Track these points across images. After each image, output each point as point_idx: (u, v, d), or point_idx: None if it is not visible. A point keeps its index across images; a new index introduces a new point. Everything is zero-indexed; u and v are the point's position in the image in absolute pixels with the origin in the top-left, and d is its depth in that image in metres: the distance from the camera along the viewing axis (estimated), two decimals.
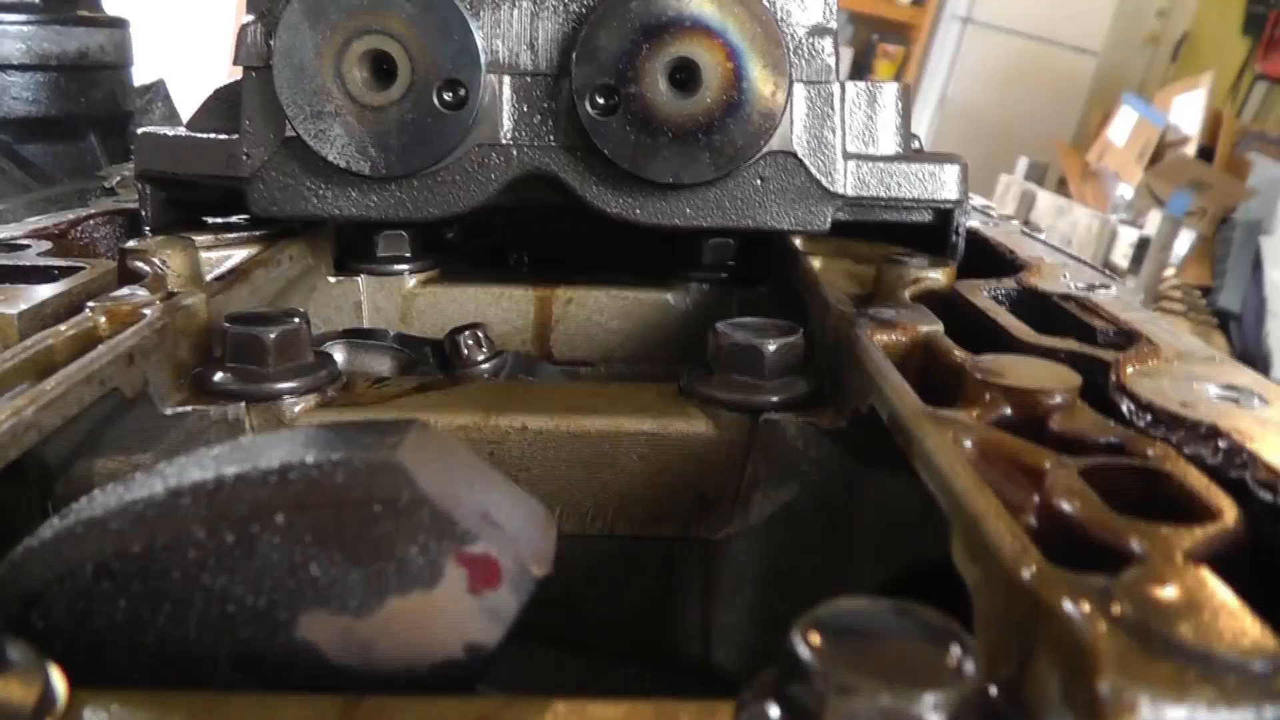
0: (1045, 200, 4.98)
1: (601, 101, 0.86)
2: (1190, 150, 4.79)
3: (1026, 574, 0.41)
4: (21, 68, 1.38)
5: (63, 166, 1.42)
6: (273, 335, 0.73)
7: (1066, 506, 0.47)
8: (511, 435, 0.72)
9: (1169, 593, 0.39)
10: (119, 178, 1.24)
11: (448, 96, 0.87)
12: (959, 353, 0.65)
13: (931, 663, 0.36)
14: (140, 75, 1.65)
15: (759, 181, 0.90)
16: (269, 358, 0.72)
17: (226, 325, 0.73)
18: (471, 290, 1.07)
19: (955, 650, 0.36)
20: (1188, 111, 4.93)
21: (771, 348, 0.73)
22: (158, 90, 1.63)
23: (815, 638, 0.36)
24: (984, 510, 0.46)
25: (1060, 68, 6.00)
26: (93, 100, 1.45)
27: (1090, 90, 5.99)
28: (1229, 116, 4.86)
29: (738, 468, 0.71)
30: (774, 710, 0.37)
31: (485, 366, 0.93)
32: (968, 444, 0.54)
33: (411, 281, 1.07)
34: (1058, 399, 0.58)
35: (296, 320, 0.75)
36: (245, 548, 0.44)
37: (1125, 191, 5.03)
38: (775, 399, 0.72)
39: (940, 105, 6.26)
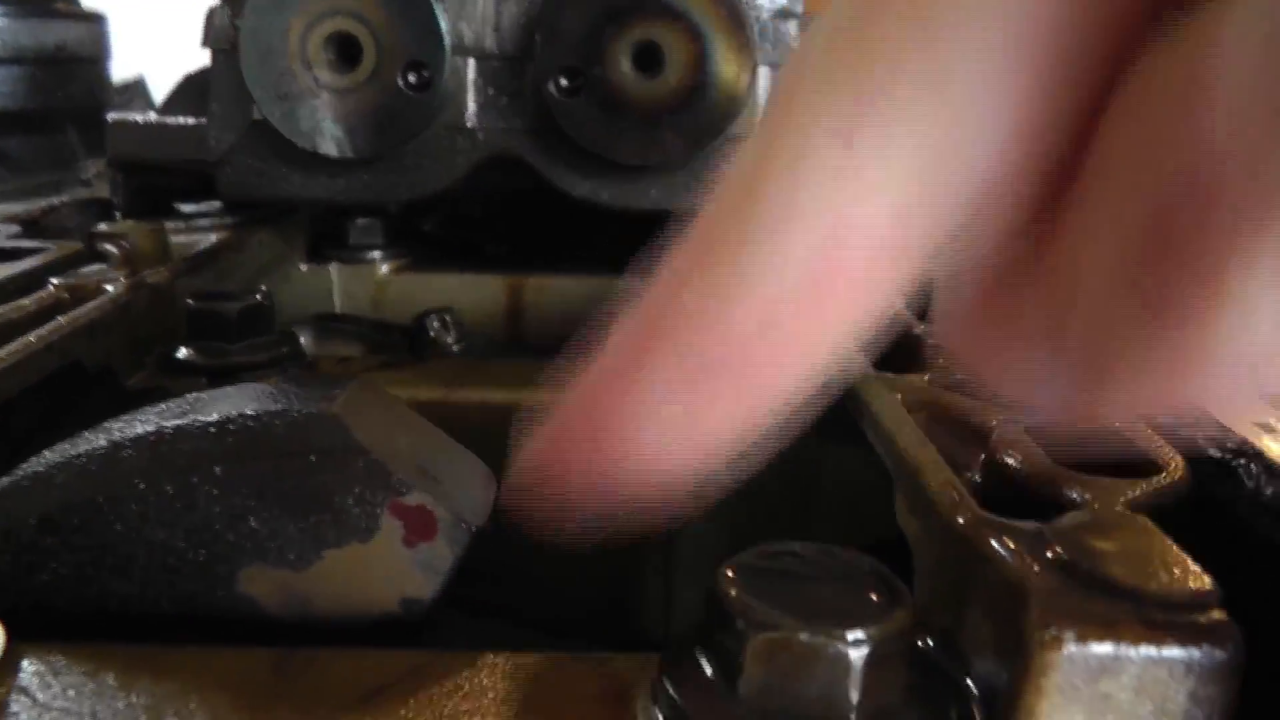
0: None
1: (565, 83, 0.87)
2: None
3: (961, 521, 0.41)
4: None
5: (40, 160, 1.42)
6: (235, 311, 0.73)
7: (1009, 460, 0.47)
8: (472, 410, 0.72)
9: (1105, 537, 0.39)
10: (96, 170, 1.24)
11: (412, 79, 0.87)
12: (914, 321, 0.66)
13: (856, 603, 0.36)
14: (121, 72, 1.66)
15: (725, 163, 0.91)
16: (232, 333, 0.73)
17: (189, 302, 0.74)
18: (443, 278, 1.07)
19: (881, 591, 0.37)
20: None
21: None
22: (137, 87, 1.63)
23: (738, 581, 0.37)
24: (924, 463, 0.46)
25: None
26: (70, 94, 1.45)
27: None
28: None
29: None
30: (700, 655, 0.37)
31: (454, 350, 0.93)
32: (912, 402, 0.54)
33: (384, 269, 1.07)
34: None
35: (259, 296, 0.75)
36: (185, 500, 0.44)
37: None
38: None
39: None
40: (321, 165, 0.90)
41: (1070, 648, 0.34)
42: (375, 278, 1.07)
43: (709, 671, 0.36)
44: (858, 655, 0.34)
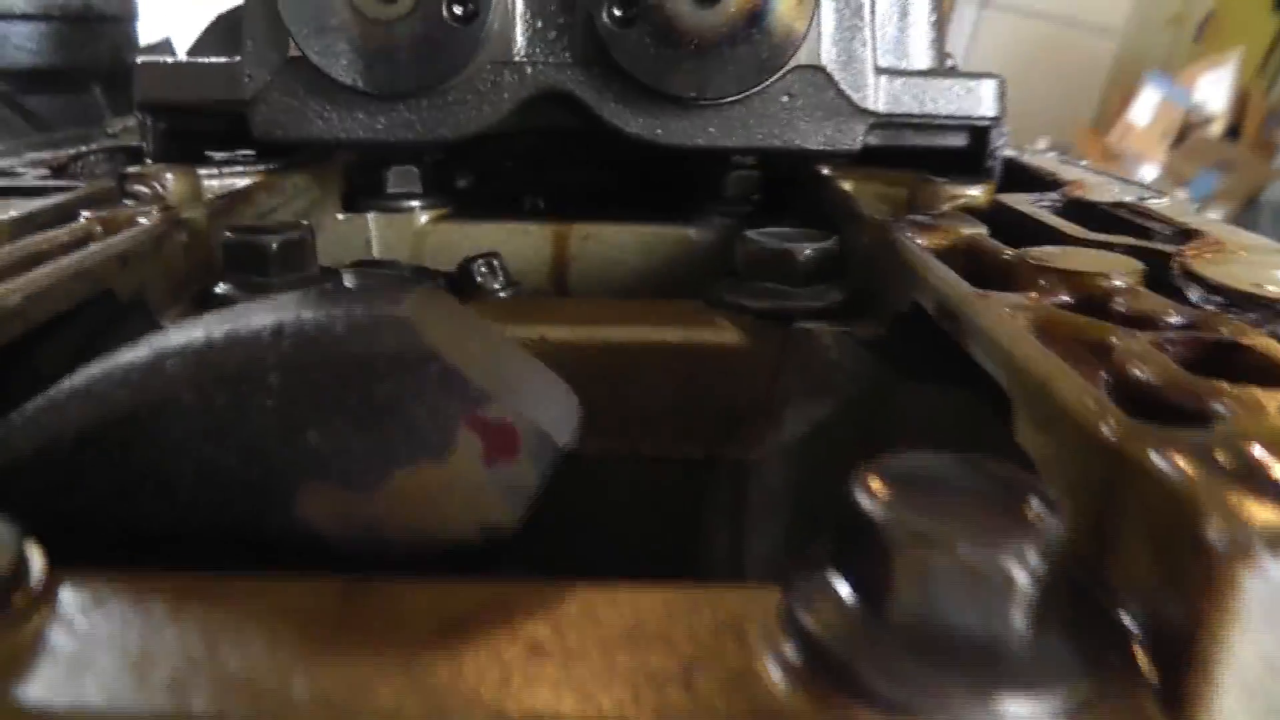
0: None
1: (619, 13, 0.82)
2: (1217, 130, 4.72)
3: (1107, 430, 0.37)
4: (25, 17, 1.35)
5: (66, 118, 1.38)
6: (275, 244, 0.69)
7: (1139, 372, 0.42)
8: (528, 347, 0.67)
9: (1270, 443, 0.34)
10: (122, 127, 1.20)
11: (458, 10, 0.82)
12: (1008, 250, 0.61)
13: (1010, 513, 0.31)
14: (149, 35, 1.62)
15: (786, 98, 0.86)
16: (271, 267, 0.68)
17: (227, 234, 0.69)
18: (485, 227, 1.03)
19: (1035, 501, 0.32)
20: (1214, 90, 4.86)
21: (804, 251, 0.69)
22: (165, 47, 1.59)
23: (879, 487, 0.32)
24: (1053, 373, 0.41)
25: (1080, 49, 5.92)
26: (97, 52, 1.42)
27: (1111, 72, 5.91)
28: (1258, 94, 4.79)
29: (768, 382, 0.67)
30: (834, 579, 0.32)
31: (501, 295, 0.88)
32: (1024, 320, 0.49)
33: (423, 218, 1.03)
34: (1119, 282, 0.53)
35: (299, 231, 0.71)
36: (236, 412, 0.40)
37: (1148, 173, 4.96)
38: (808, 306, 0.68)
39: (953, 57, 6.17)
40: (360, 103, 0.85)
41: (1264, 560, 0.29)
42: (414, 227, 1.03)
43: (846, 596, 0.32)
44: (1023, 574, 0.30)
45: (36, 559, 0.38)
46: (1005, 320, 0.48)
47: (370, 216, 1.02)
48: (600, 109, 0.86)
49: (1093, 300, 0.52)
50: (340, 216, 1.01)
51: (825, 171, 0.94)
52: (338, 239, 1.01)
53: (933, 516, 0.30)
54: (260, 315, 0.41)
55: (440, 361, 0.39)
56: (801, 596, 0.32)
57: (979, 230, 0.66)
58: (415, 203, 1.03)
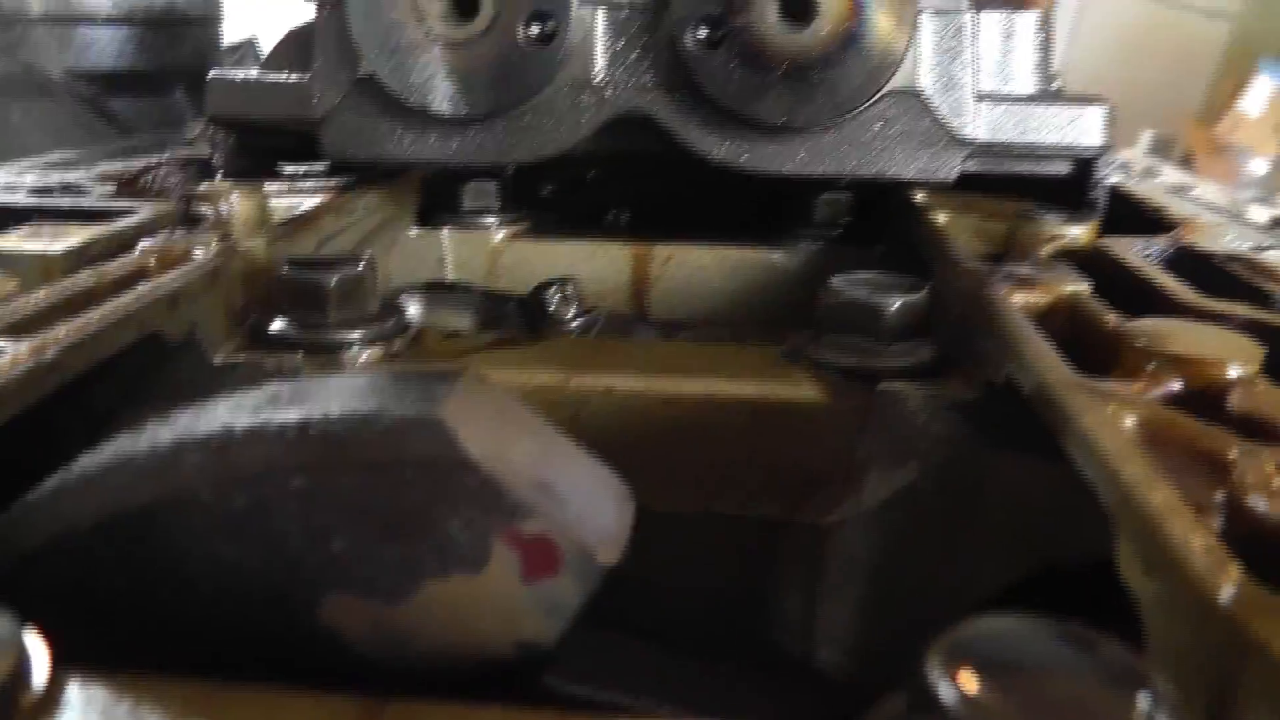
0: (1169, 176, 4.75)
1: (705, 34, 0.78)
2: None
3: (1224, 595, 0.32)
4: (109, 21, 1.34)
5: (148, 121, 1.38)
6: (334, 280, 0.66)
7: (1264, 507, 0.37)
8: (595, 398, 0.64)
9: None
10: (201, 130, 1.18)
11: (535, 30, 0.79)
12: (1112, 316, 0.56)
13: (1110, 714, 0.27)
14: (236, 34, 1.61)
15: (879, 125, 0.81)
16: (329, 305, 0.66)
17: (284, 270, 0.67)
18: (563, 246, 0.99)
19: (1143, 702, 0.27)
20: None
21: (892, 306, 0.64)
22: (248, 49, 1.58)
23: (958, 671, 0.27)
24: (1163, 507, 0.36)
25: (1190, 33, 5.70)
26: (180, 55, 1.41)
27: (1222, 58, 5.68)
28: None
29: (850, 443, 0.62)
30: None
31: (574, 325, 0.85)
32: (1131, 423, 0.44)
33: (499, 235, 0.99)
34: (1237, 371, 0.48)
35: (361, 265, 0.68)
36: (257, 514, 0.37)
37: (1258, 167, 4.76)
38: (895, 365, 0.63)
39: (1059, 77, 6.01)
40: (432, 125, 0.82)
41: None
42: (489, 245, 0.99)
43: None
44: None
45: (40, 659, 0.35)
46: (1110, 427, 0.43)
47: (445, 233, 0.99)
48: (683, 134, 0.82)
49: (1208, 393, 0.47)
50: (414, 233, 0.98)
51: (920, 199, 0.89)
52: (411, 255, 0.98)
53: (1008, 710, 0.26)
54: (289, 406, 0.38)
55: (477, 471, 0.35)
56: None
57: (1081, 289, 0.61)
58: (491, 219, 0.99)
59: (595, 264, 0.98)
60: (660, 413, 0.63)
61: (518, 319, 0.86)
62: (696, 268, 0.97)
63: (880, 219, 0.99)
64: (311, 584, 0.37)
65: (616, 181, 1.19)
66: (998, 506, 0.60)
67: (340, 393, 0.38)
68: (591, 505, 0.38)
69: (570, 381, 0.64)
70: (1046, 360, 0.50)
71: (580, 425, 0.64)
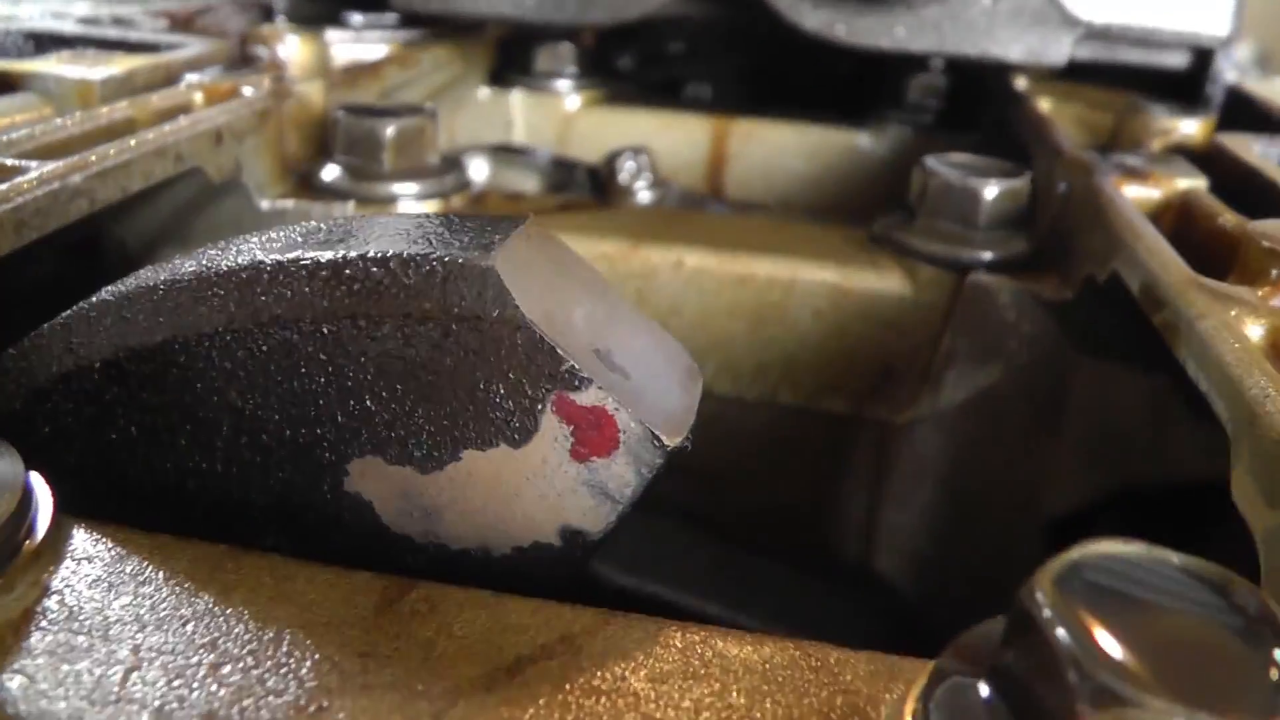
0: None
1: None
2: None
3: None
4: None
5: None
6: (391, 129, 0.61)
7: None
8: (663, 270, 0.59)
9: None
10: None
11: None
12: (1231, 215, 0.50)
13: (1247, 672, 0.22)
14: None
15: (986, 1, 0.74)
16: (385, 154, 0.61)
17: (340, 114, 0.62)
18: (640, 115, 0.94)
19: (1268, 642, 0.22)
20: None
21: (990, 191, 0.58)
22: None
23: (1067, 605, 0.23)
24: None
25: None
26: None
27: None
28: None
29: (932, 337, 0.57)
30: (990, 697, 0.24)
31: (645, 197, 0.80)
32: (1258, 332, 0.39)
33: (573, 101, 0.94)
34: None
35: (421, 115, 0.63)
36: (281, 361, 0.33)
37: None
38: (988, 256, 0.57)
39: None
40: None
41: None
42: (562, 111, 0.94)
43: None
44: None
45: (44, 506, 0.32)
46: (1233, 334, 0.37)
47: (516, 94, 0.93)
48: (775, 1, 0.76)
49: None
50: (483, 93, 0.93)
51: (1021, 85, 0.82)
52: (479, 117, 0.93)
53: (1131, 669, 0.21)
54: (323, 246, 0.33)
55: (527, 329, 0.30)
56: (946, 707, 0.24)
57: (1197, 183, 0.55)
58: (565, 84, 0.94)
59: (672, 137, 0.93)
60: (731, 291, 0.59)
61: (587, 186, 0.81)
62: (776, 146, 0.91)
63: (976, 105, 0.92)
64: (338, 444, 0.33)
65: (697, 54, 1.12)
66: (1083, 418, 0.55)
67: (384, 232, 0.34)
68: (656, 380, 0.33)
69: (638, 250, 0.59)
70: (1161, 255, 0.45)
71: (645, 298, 0.60)
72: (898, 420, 0.58)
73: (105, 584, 0.30)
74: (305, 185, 0.62)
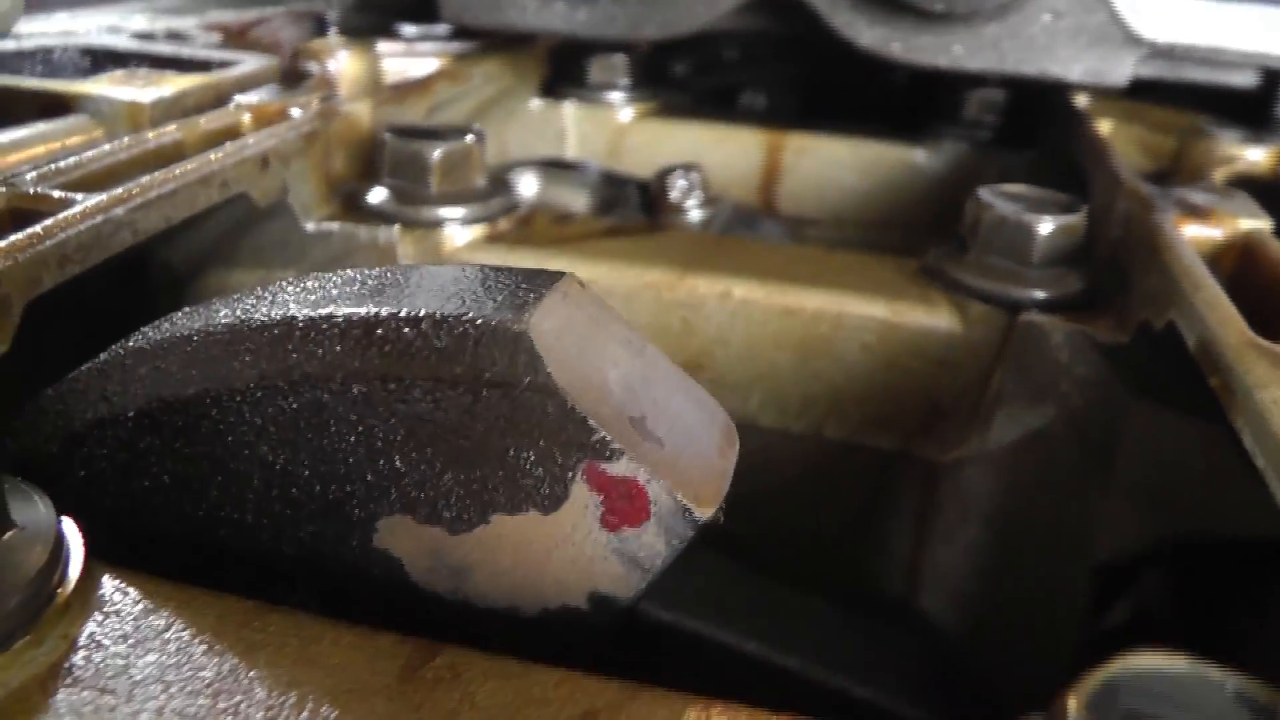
0: None
1: None
2: None
3: None
4: None
5: None
6: (437, 152, 0.61)
7: None
8: (710, 301, 0.58)
9: None
10: None
11: None
12: None
13: None
14: None
15: (1048, 17, 0.72)
16: (431, 177, 0.61)
17: (386, 136, 0.62)
18: (692, 128, 0.93)
19: None
20: None
21: (1045, 228, 0.56)
22: None
23: None
24: None
25: None
26: None
27: None
28: None
29: (982, 376, 0.56)
30: None
31: (695, 215, 0.79)
32: None
33: (626, 112, 0.93)
34: None
35: (469, 137, 0.62)
36: (312, 420, 0.32)
37: None
38: (1042, 294, 0.56)
39: None
40: None
41: None
42: (615, 122, 0.93)
43: None
44: None
45: (76, 549, 0.32)
46: None
47: (568, 105, 0.93)
48: (830, 16, 0.74)
49: None
50: (535, 104, 0.92)
51: (1082, 102, 0.80)
52: (530, 128, 0.93)
53: None
54: (358, 300, 0.33)
55: (559, 398, 0.30)
56: None
57: (1261, 225, 0.54)
58: (618, 95, 0.93)
59: (725, 150, 0.92)
60: (778, 323, 0.58)
61: (637, 204, 0.80)
62: (831, 161, 0.90)
63: (1035, 122, 0.90)
64: (367, 501, 0.33)
65: (753, 63, 1.11)
66: (1136, 464, 0.54)
67: (419, 288, 0.33)
68: (691, 445, 0.33)
69: (685, 280, 0.58)
70: (1220, 310, 0.43)
71: (692, 328, 0.59)
72: (945, 458, 0.57)
73: (132, 640, 0.30)
74: (351, 206, 0.62)
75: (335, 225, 0.60)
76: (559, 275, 0.34)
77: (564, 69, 0.95)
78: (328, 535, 0.34)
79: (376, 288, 0.34)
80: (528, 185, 0.79)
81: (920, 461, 0.58)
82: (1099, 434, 0.54)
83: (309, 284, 0.36)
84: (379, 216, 0.61)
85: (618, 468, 0.30)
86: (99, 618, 0.31)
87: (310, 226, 0.60)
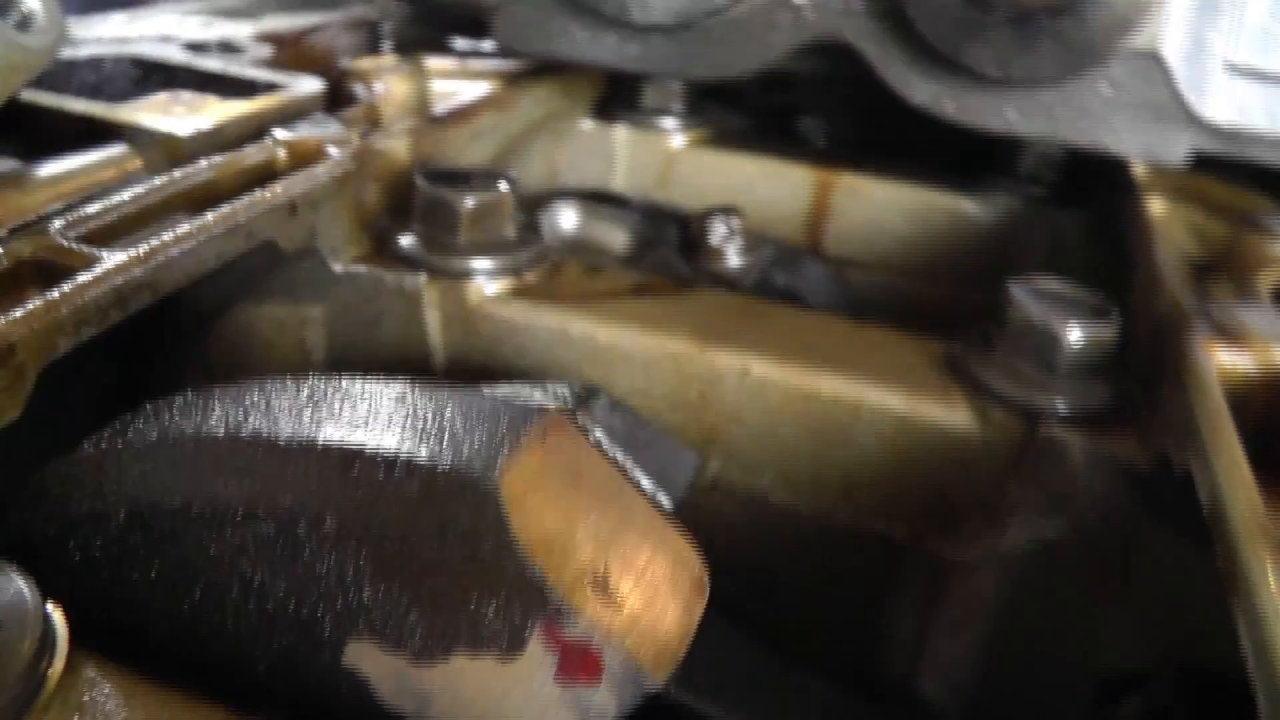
0: None
1: None
2: None
3: None
4: None
5: None
6: (469, 202, 0.61)
7: None
8: (729, 377, 0.58)
9: None
10: None
11: None
12: None
13: None
14: None
15: (1107, 89, 0.70)
16: (460, 227, 0.61)
17: (420, 180, 0.62)
18: (743, 161, 0.92)
19: None
20: None
21: (1073, 336, 0.55)
22: None
23: None
24: None
25: None
26: None
27: None
28: None
29: (997, 480, 0.55)
30: None
31: (735, 261, 0.78)
32: None
33: (677, 140, 0.93)
34: None
35: (503, 186, 0.62)
36: (288, 545, 0.33)
37: None
38: (1065, 405, 0.54)
39: None
40: (611, 26, 0.75)
41: None
42: (666, 149, 0.92)
43: None
44: None
45: (61, 636, 0.32)
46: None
47: (620, 129, 0.92)
48: (884, 69, 0.73)
49: None
50: (586, 126, 0.92)
51: (1139, 172, 0.78)
52: (581, 150, 0.92)
53: None
54: (343, 426, 0.33)
55: (519, 561, 0.30)
56: None
57: None
58: (672, 122, 0.92)
59: (774, 185, 0.91)
60: (796, 406, 0.57)
61: (676, 246, 0.80)
62: (881, 204, 0.88)
63: (1091, 180, 0.88)
64: (337, 624, 0.34)
65: (814, 84, 1.10)
66: (1149, 586, 0.53)
67: (402, 415, 0.34)
68: (654, 608, 0.33)
69: (705, 353, 0.58)
70: (1235, 476, 0.41)
71: (708, 402, 0.59)
72: (955, 556, 0.56)
73: None
74: (382, 245, 0.62)
75: (363, 269, 0.60)
76: (542, 414, 0.34)
77: (618, 90, 0.94)
78: (300, 649, 0.35)
79: (363, 406, 0.35)
80: (567, 220, 0.79)
81: (929, 555, 0.57)
82: (1112, 550, 0.53)
83: (307, 390, 0.36)
84: (407, 262, 0.61)
85: (573, 631, 0.30)
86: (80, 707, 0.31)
87: (338, 267, 0.60)
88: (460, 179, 0.63)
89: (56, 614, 0.33)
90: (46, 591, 0.33)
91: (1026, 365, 0.55)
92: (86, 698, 0.32)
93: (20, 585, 0.33)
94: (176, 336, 0.63)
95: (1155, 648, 0.52)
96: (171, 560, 0.35)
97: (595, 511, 0.33)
